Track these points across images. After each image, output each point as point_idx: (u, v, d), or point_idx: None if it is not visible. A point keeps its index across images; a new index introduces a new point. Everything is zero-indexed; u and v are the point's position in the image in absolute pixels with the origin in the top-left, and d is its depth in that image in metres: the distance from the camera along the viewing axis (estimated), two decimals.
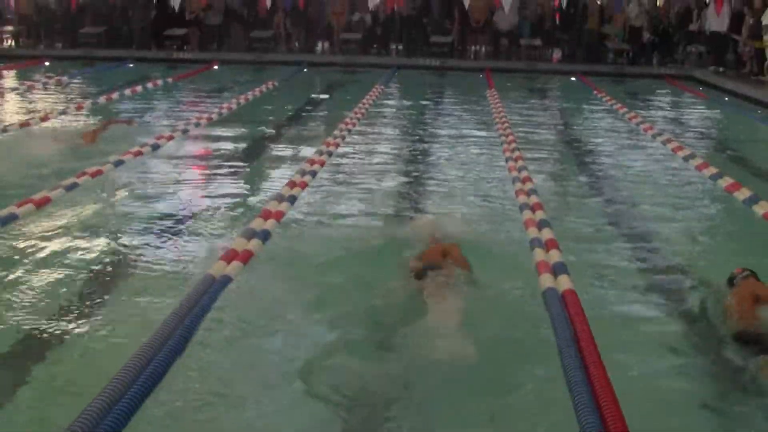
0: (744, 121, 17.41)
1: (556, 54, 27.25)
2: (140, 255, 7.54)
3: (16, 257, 7.27)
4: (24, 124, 13.62)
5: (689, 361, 5.74)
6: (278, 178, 10.61)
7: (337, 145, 12.46)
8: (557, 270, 6.79)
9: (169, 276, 7.04)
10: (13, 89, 19.36)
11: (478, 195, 9.97)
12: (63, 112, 15.01)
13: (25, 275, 6.86)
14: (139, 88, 18.86)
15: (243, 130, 14.55)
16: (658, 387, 5.41)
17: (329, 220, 8.77)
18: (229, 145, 13.03)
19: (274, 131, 14.66)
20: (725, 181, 10.45)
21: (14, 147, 12.04)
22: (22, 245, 7.57)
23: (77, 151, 11.53)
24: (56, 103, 16.77)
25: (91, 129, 13.26)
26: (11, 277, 6.82)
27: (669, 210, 9.59)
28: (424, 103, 19.00)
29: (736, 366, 5.51)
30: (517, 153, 11.86)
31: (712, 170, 11.13)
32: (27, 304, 6.27)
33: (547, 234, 7.79)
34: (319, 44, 28.15)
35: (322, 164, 11.08)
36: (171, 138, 12.78)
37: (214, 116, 15.16)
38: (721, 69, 23.69)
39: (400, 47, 27.57)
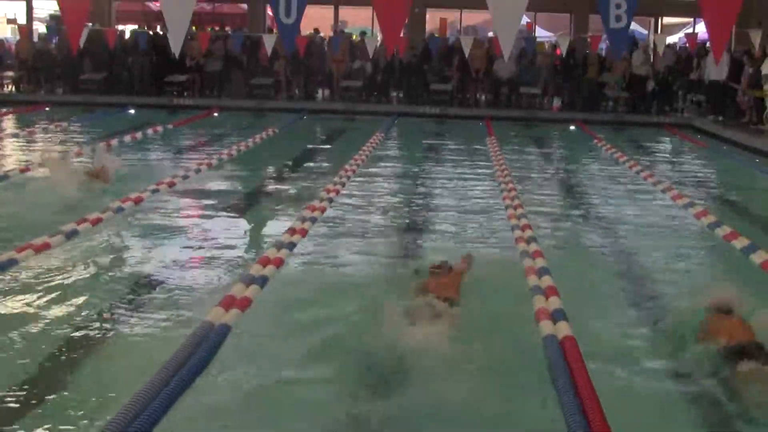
0: (743, 170, 17.45)
1: (556, 102, 27.39)
2: (138, 300, 7.53)
3: (11, 302, 7.27)
4: (24, 170, 13.63)
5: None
6: (278, 225, 10.62)
7: (338, 192, 12.47)
8: (557, 317, 6.78)
9: (167, 321, 7.02)
10: (14, 135, 19.40)
11: (478, 242, 9.96)
12: (63, 158, 15.01)
13: (19, 321, 6.85)
14: (139, 134, 18.91)
15: (243, 176, 14.59)
16: None
17: (328, 267, 8.76)
18: (229, 192, 13.06)
19: (274, 178, 14.70)
20: (724, 230, 10.45)
21: (14, 192, 12.05)
22: (18, 290, 7.56)
23: (77, 197, 11.54)
24: (56, 148, 16.79)
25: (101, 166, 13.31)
26: (7, 320, 6.83)
27: (668, 258, 9.59)
28: (425, 150, 19.06)
29: None
30: (516, 201, 11.87)
31: (711, 219, 11.15)
32: (17, 353, 6.26)
33: (546, 281, 7.79)
34: (320, 91, 28.28)
35: (323, 211, 11.08)
36: (172, 184, 12.79)
37: (215, 162, 15.19)
38: (720, 118, 23.78)
39: (401, 95, 27.69)
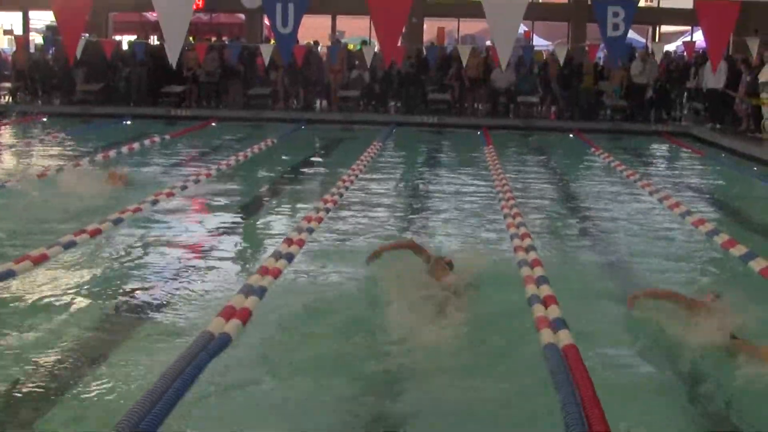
0: (740, 178, 17.44)
1: (554, 111, 27.41)
2: (137, 312, 7.53)
3: (12, 313, 7.25)
4: (21, 181, 13.61)
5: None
6: (276, 235, 10.61)
7: (335, 202, 12.46)
8: (557, 326, 6.77)
9: (166, 333, 7.00)
10: (10, 146, 19.39)
11: (477, 251, 9.94)
12: (59, 169, 14.98)
13: (19, 331, 6.84)
14: (136, 145, 18.90)
15: (241, 187, 14.59)
16: None
17: (326, 277, 8.74)
18: (227, 202, 13.05)
19: (272, 188, 14.69)
20: (722, 238, 10.44)
21: (11, 203, 12.03)
22: (17, 301, 7.55)
23: (75, 209, 11.52)
24: (53, 159, 16.78)
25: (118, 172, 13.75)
26: (6, 330, 6.82)
27: (666, 266, 9.57)
28: (422, 159, 19.08)
29: None
30: (515, 210, 11.86)
31: (709, 227, 11.14)
32: (20, 361, 6.24)
33: (545, 290, 7.78)
34: (318, 101, 28.29)
35: (320, 221, 11.06)
36: (170, 195, 12.78)
37: (213, 173, 15.17)
38: (717, 126, 23.78)
39: (398, 104, 27.70)
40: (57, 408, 5.56)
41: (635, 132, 24.80)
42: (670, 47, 32.88)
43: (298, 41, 25.27)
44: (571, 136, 23.92)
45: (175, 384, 5.55)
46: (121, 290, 8.14)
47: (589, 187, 15.64)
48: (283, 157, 18.58)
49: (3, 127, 22.81)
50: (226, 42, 29.25)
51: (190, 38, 28.84)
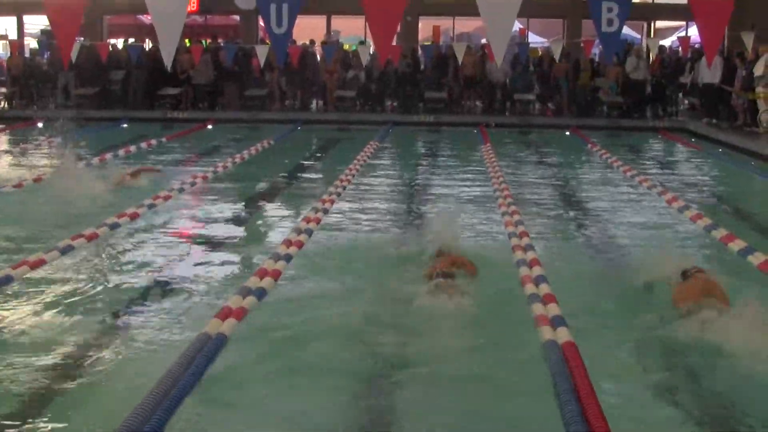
0: (737, 173, 17.45)
1: (551, 108, 27.40)
2: (135, 314, 7.52)
3: (9, 320, 7.24)
4: (17, 186, 13.59)
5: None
6: (274, 236, 10.60)
7: (333, 203, 12.45)
8: (556, 323, 6.76)
9: (164, 335, 6.99)
10: (6, 151, 19.36)
11: (475, 250, 9.92)
12: (55, 173, 14.94)
13: (19, 335, 6.83)
14: (133, 148, 18.88)
15: (238, 188, 14.57)
16: None
17: (325, 278, 8.73)
18: (224, 204, 13.03)
19: (269, 190, 14.68)
20: (720, 233, 10.43)
21: (8, 208, 12.01)
22: (14, 306, 7.54)
23: (72, 213, 11.52)
24: (49, 164, 16.76)
25: (123, 173, 14.05)
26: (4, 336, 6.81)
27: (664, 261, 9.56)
28: (419, 159, 19.08)
29: None
30: (513, 208, 11.84)
31: (707, 221, 11.13)
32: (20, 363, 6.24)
33: (545, 289, 7.77)
34: (314, 102, 28.27)
35: (318, 222, 11.04)
36: (167, 197, 12.76)
37: (210, 175, 15.16)
38: (714, 121, 23.78)
39: (395, 104, 27.69)
40: (56, 411, 5.56)
41: (632, 128, 24.81)
42: (665, 43, 32.86)
43: (294, 41, 25.45)
44: (567, 133, 23.92)
45: (174, 386, 5.54)
46: (118, 292, 8.14)
47: (586, 183, 15.65)
48: (280, 158, 18.55)
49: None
50: (221, 44, 29.21)
51: (185, 41, 28.80)
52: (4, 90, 28.25)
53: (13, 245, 9.74)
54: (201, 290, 8.29)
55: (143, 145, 19.69)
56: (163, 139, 21.00)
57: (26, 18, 35.53)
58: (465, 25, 37.77)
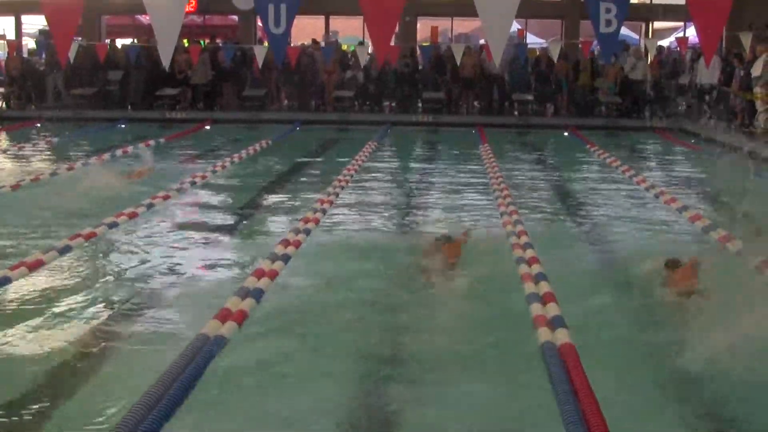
0: (735, 173, 17.43)
1: (549, 109, 27.40)
2: (133, 315, 7.52)
3: (8, 318, 7.23)
4: (15, 186, 13.57)
5: None
6: (272, 237, 10.59)
7: (331, 203, 12.44)
8: (555, 323, 6.75)
9: (163, 335, 6.99)
10: (4, 151, 19.35)
11: (474, 249, 9.92)
12: (54, 174, 14.95)
13: (18, 336, 6.82)
14: (131, 149, 18.86)
15: (237, 188, 14.57)
16: None
17: (323, 278, 8.73)
18: (223, 204, 13.05)
19: (268, 190, 14.66)
20: (718, 233, 10.42)
21: (6, 209, 12.00)
22: (14, 306, 7.53)
23: (69, 213, 11.51)
24: (47, 164, 16.75)
25: (137, 170, 14.63)
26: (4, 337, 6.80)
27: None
28: (418, 159, 19.07)
29: None
30: (511, 207, 11.84)
31: (706, 222, 11.12)
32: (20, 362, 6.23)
33: (544, 287, 7.77)
34: (312, 102, 28.25)
35: (316, 222, 11.03)
36: (166, 197, 12.74)
37: (209, 175, 15.15)
38: (712, 121, 23.77)
39: (393, 104, 27.68)
40: (54, 411, 5.57)
41: (630, 128, 24.81)
42: (663, 43, 32.86)
43: (290, 42, 25.40)
44: (566, 133, 23.92)
45: (173, 388, 5.54)
46: (116, 293, 8.14)
47: (585, 183, 15.66)
48: (279, 159, 18.53)
49: None
50: (220, 44, 29.18)
51: (184, 41, 28.77)
52: (2, 90, 28.20)
53: (12, 246, 9.73)
54: (199, 291, 8.29)
55: (141, 145, 19.61)
56: (162, 140, 20.97)
57: (24, 18, 35.48)
58: (463, 25, 37.76)
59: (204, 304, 7.77)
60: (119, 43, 30.87)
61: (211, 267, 9.20)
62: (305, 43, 27.80)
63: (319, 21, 34.89)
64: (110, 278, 8.72)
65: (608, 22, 11.62)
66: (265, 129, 23.39)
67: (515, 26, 32.40)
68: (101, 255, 9.61)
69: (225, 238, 10.75)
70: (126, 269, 9.08)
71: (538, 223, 11.59)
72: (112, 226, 10.66)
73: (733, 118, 23.28)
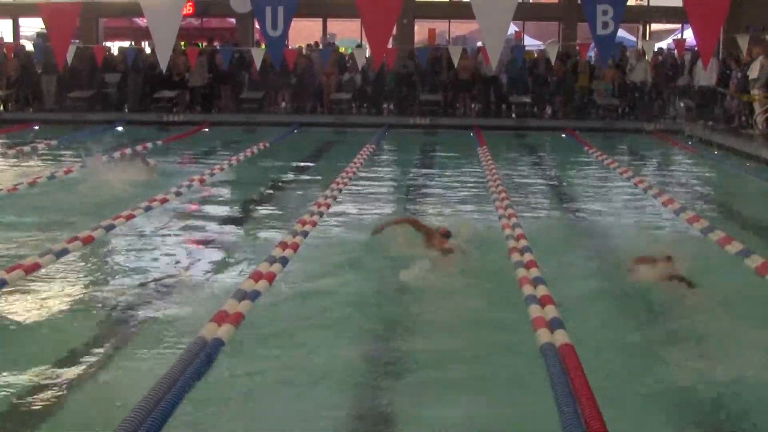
0: (733, 174, 17.47)
1: (547, 110, 27.41)
2: (131, 317, 7.52)
3: (5, 321, 7.23)
4: (12, 190, 13.55)
5: None
6: (269, 240, 10.58)
7: (329, 206, 12.42)
8: (554, 325, 6.76)
9: (160, 338, 6.99)
10: (2, 154, 19.33)
11: (472, 252, 9.93)
12: (51, 176, 14.92)
13: (15, 340, 6.81)
14: (129, 151, 18.84)
15: (234, 191, 14.57)
16: None
17: (321, 280, 8.72)
18: (220, 207, 13.04)
19: (265, 192, 14.66)
20: (716, 235, 10.42)
21: (3, 211, 11.99)
22: (10, 309, 7.53)
23: (66, 216, 11.50)
24: (45, 167, 16.73)
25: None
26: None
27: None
28: (416, 161, 19.06)
29: None
30: (510, 210, 11.83)
31: (703, 223, 11.12)
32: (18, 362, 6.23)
33: (542, 290, 7.77)
34: (310, 104, 28.24)
35: (314, 225, 11.02)
36: (164, 200, 12.73)
37: (206, 178, 15.14)
38: (710, 123, 23.79)
39: (391, 106, 27.67)
40: (53, 414, 5.56)
41: (627, 130, 24.81)
42: (661, 45, 32.88)
43: (288, 45, 25.41)
44: (564, 135, 23.93)
45: (172, 389, 5.54)
46: (114, 296, 8.12)
47: (582, 185, 15.67)
48: (277, 161, 18.52)
49: None
50: (217, 47, 29.17)
51: (181, 43, 28.75)
52: (0, 93, 28.19)
53: (9, 248, 9.73)
54: (197, 293, 8.28)
55: (139, 147, 19.60)
56: (159, 142, 20.94)
57: (22, 21, 35.48)
58: (461, 27, 37.78)
59: (201, 306, 7.77)
60: (116, 45, 30.85)
61: (209, 269, 9.19)
62: (302, 46, 27.74)
63: (316, 24, 34.92)
64: (107, 281, 8.71)
65: (605, 24, 11.66)
66: (263, 131, 23.37)
67: (512, 28, 32.42)
68: (98, 258, 9.61)
69: (222, 241, 10.74)
70: (123, 272, 9.07)
71: (534, 223, 11.58)
72: (110, 228, 10.66)
73: (730, 120, 23.30)
